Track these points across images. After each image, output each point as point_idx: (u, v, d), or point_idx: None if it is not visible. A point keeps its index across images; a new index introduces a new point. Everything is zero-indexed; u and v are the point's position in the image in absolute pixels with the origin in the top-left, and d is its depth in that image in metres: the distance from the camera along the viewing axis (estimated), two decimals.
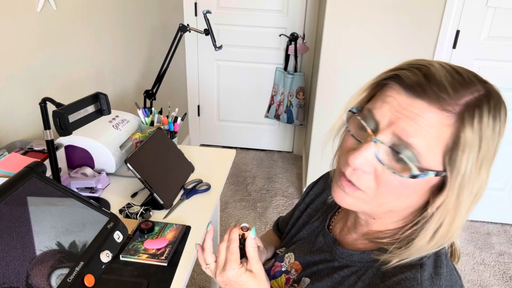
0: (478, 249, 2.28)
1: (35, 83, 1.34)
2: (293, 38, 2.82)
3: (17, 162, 1.05)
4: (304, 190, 0.92)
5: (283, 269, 0.78)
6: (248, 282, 0.65)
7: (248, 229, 0.68)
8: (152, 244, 1.01)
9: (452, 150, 0.50)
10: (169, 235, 1.05)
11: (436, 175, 0.52)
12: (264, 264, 0.81)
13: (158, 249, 1.00)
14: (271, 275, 0.79)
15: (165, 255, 0.98)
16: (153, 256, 0.98)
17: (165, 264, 0.97)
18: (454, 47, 2.10)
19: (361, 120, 0.55)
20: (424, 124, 0.50)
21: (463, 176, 0.50)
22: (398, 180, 0.52)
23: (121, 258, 0.98)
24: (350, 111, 0.58)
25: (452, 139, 0.50)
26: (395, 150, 0.52)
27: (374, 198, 0.56)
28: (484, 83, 0.52)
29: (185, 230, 1.09)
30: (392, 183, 0.53)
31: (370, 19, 2.10)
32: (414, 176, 0.51)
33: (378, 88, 0.58)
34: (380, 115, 0.54)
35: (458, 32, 2.07)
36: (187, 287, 1.97)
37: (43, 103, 0.98)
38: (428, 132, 0.50)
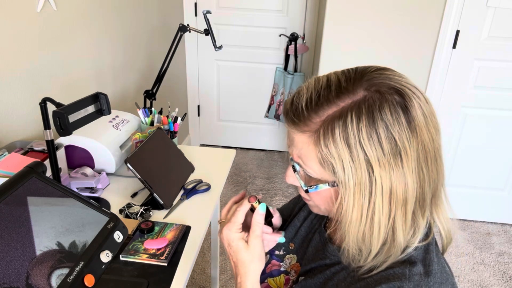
0: (478, 249, 2.28)
1: (35, 83, 1.34)
2: (293, 38, 2.82)
3: (17, 162, 1.05)
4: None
5: (282, 269, 0.78)
6: (240, 251, 0.66)
7: (259, 201, 0.69)
8: (152, 244, 1.01)
9: (325, 162, 0.54)
10: (169, 235, 1.05)
11: (331, 185, 0.57)
12: None
13: (158, 249, 1.00)
14: (267, 272, 0.79)
15: (165, 255, 0.98)
16: (153, 256, 0.98)
17: (165, 264, 0.97)
18: (454, 47, 2.10)
19: (287, 141, 0.63)
20: (298, 147, 0.58)
21: (346, 183, 0.53)
22: (313, 193, 0.60)
23: (121, 258, 0.98)
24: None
25: (318, 154, 0.54)
26: (294, 169, 0.61)
27: (316, 205, 0.64)
28: (368, 84, 0.53)
29: (185, 230, 1.09)
30: (312, 195, 0.62)
31: (370, 19, 2.10)
32: (305, 191, 0.60)
33: None
34: (287, 139, 0.62)
35: (458, 32, 2.07)
36: (187, 287, 1.97)
37: (43, 103, 0.98)
38: (302, 152, 0.57)
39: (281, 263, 0.79)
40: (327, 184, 0.57)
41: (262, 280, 0.78)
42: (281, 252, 0.81)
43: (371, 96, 0.52)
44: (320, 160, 0.55)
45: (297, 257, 0.78)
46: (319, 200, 0.62)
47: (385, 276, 0.58)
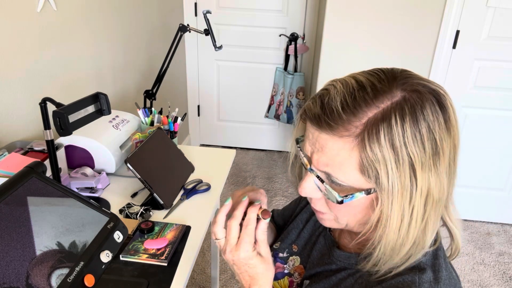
0: (478, 249, 2.28)
1: (35, 83, 1.34)
2: (293, 38, 2.82)
3: (17, 162, 1.05)
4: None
5: (286, 271, 0.78)
6: (257, 266, 0.63)
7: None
8: (152, 244, 1.01)
9: (367, 169, 0.51)
10: (169, 235, 1.05)
11: (367, 193, 0.53)
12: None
13: (158, 249, 1.00)
14: None
15: (165, 255, 0.98)
16: (153, 256, 0.98)
17: (165, 264, 0.97)
18: (454, 47, 2.10)
19: (299, 151, 0.59)
20: (331, 154, 0.53)
21: (389, 189, 0.50)
22: (338, 206, 0.55)
23: (121, 258, 0.98)
24: (296, 140, 0.62)
25: (360, 160, 0.51)
26: (320, 179, 0.56)
27: (336, 217, 0.60)
28: (403, 84, 0.51)
29: (185, 230, 1.09)
30: (336, 208, 0.57)
31: (370, 19, 2.10)
32: (340, 202, 0.54)
33: (302, 117, 0.60)
34: (305, 148, 0.57)
35: (458, 32, 2.07)
36: (187, 287, 1.97)
37: (43, 103, 0.98)
38: (336, 159, 0.52)
39: (285, 265, 0.79)
40: (363, 192, 0.53)
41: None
42: (285, 255, 0.80)
43: (410, 96, 0.50)
44: (361, 166, 0.51)
45: (300, 259, 0.78)
46: (344, 211, 0.57)
47: (394, 285, 0.56)
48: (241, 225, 0.63)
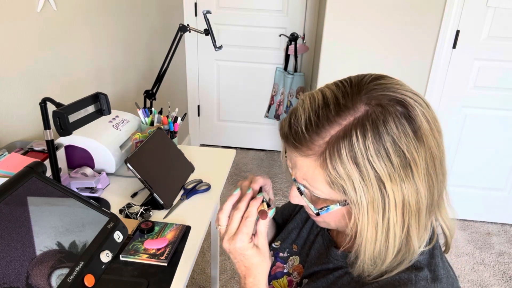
0: (478, 249, 2.28)
1: (35, 83, 1.34)
2: (293, 38, 2.81)
3: (17, 162, 1.05)
4: None
5: (285, 270, 0.78)
6: (253, 257, 0.65)
7: (266, 203, 0.66)
8: (152, 244, 1.01)
9: (335, 184, 0.52)
10: (169, 235, 1.05)
11: (342, 205, 0.55)
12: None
13: (158, 249, 1.00)
14: (272, 275, 0.79)
15: (165, 255, 0.98)
16: (153, 256, 0.98)
17: (165, 264, 0.97)
18: (454, 47, 2.10)
19: (287, 162, 0.62)
20: (302, 170, 0.56)
21: (358, 202, 0.52)
22: (323, 214, 0.59)
23: (121, 258, 0.98)
24: (285, 149, 0.63)
25: (327, 177, 0.52)
26: (300, 191, 0.60)
27: (325, 222, 0.63)
28: (368, 97, 0.51)
29: (185, 230, 1.09)
30: (322, 215, 0.60)
31: (370, 19, 2.10)
32: (317, 214, 0.59)
33: None
34: (288, 162, 0.61)
35: (458, 32, 2.07)
36: (187, 287, 1.97)
37: (43, 103, 0.98)
38: (308, 175, 0.55)
39: (285, 265, 0.79)
40: (337, 204, 0.56)
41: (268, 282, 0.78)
42: (285, 254, 0.81)
43: (373, 111, 0.49)
44: (329, 182, 0.53)
45: (299, 258, 0.78)
46: (329, 218, 0.61)
47: (391, 282, 0.57)
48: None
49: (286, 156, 0.62)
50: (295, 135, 0.53)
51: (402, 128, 0.49)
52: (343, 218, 0.58)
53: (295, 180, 0.59)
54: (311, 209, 0.59)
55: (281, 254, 0.81)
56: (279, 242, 0.83)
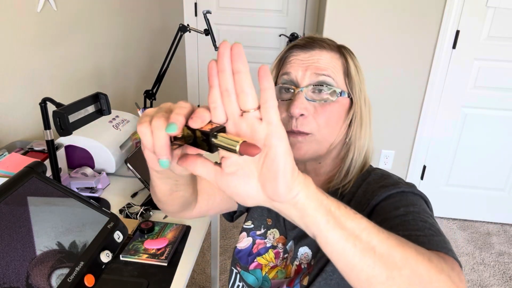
0: (478, 249, 2.28)
1: (35, 83, 1.34)
2: (293, 38, 2.81)
3: (17, 162, 1.05)
4: None
5: (269, 245, 0.81)
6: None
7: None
8: (152, 244, 1.01)
9: (347, 74, 0.73)
10: (169, 235, 1.05)
11: (348, 96, 0.72)
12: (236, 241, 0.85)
13: (158, 249, 1.00)
14: (255, 253, 0.82)
15: (165, 255, 0.98)
16: (153, 256, 0.98)
17: (165, 264, 0.97)
18: (454, 47, 2.10)
19: (283, 85, 0.73)
20: (325, 62, 0.72)
21: (358, 92, 0.73)
22: (329, 109, 0.70)
23: (121, 258, 0.98)
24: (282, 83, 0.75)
25: (344, 66, 0.73)
26: (317, 86, 0.70)
27: (319, 134, 0.71)
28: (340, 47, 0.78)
29: (185, 230, 1.09)
30: (325, 114, 0.70)
31: (370, 19, 2.10)
32: (339, 93, 0.71)
33: (281, 63, 0.77)
34: (295, 72, 0.72)
35: (458, 32, 2.07)
36: (187, 287, 1.97)
37: (43, 103, 0.98)
38: (330, 65, 0.72)
39: (265, 240, 0.82)
40: (346, 93, 0.72)
41: (251, 260, 0.81)
42: (262, 231, 0.83)
43: (344, 47, 0.77)
44: (344, 70, 0.73)
45: (278, 230, 0.81)
46: (327, 119, 0.70)
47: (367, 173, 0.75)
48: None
49: (281, 84, 0.74)
50: (319, 40, 0.74)
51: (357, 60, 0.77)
52: (339, 117, 0.72)
53: (302, 89, 0.70)
54: (331, 95, 0.70)
55: (258, 232, 0.83)
56: (250, 222, 0.85)
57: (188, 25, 1.79)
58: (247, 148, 0.37)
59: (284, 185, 0.39)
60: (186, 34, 2.91)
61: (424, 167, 2.42)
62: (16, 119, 1.28)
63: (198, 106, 0.44)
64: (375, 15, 2.08)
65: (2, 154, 1.10)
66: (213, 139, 0.39)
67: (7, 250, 0.52)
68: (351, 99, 0.73)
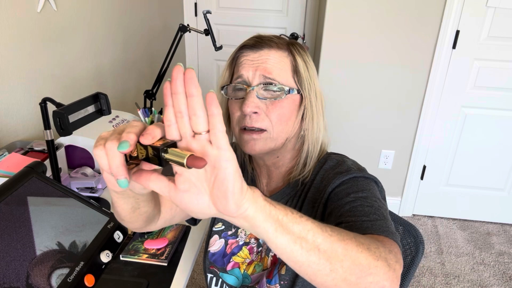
0: (478, 249, 2.28)
1: (35, 83, 1.34)
2: (293, 38, 2.81)
3: (17, 162, 1.05)
4: None
5: (241, 242, 0.84)
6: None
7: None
8: (152, 244, 1.01)
9: (296, 71, 0.76)
10: (169, 235, 1.05)
11: (297, 92, 0.76)
12: (210, 245, 0.88)
13: (158, 249, 1.00)
14: (230, 253, 0.84)
15: (165, 255, 0.98)
16: (153, 256, 0.98)
17: (165, 264, 0.97)
18: (454, 47, 2.10)
19: (236, 85, 0.76)
20: (273, 62, 0.75)
21: (308, 87, 0.76)
22: (279, 106, 0.74)
23: (121, 258, 0.98)
24: (224, 86, 0.78)
25: (292, 64, 0.76)
26: (267, 85, 0.74)
27: (273, 131, 0.75)
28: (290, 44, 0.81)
29: (185, 230, 1.09)
30: (276, 111, 0.74)
31: (370, 19, 2.10)
32: (288, 91, 0.74)
33: (233, 63, 0.80)
34: (246, 73, 0.75)
35: (458, 32, 2.07)
36: (187, 287, 1.97)
37: (43, 103, 0.98)
38: (278, 65, 0.75)
39: (237, 239, 0.84)
40: (295, 90, 0.76)
41: (227, 261, 0.84)
42: (233, 230, 0.86)
43: (292, 43, 0.80)
44: (293, 68, 0.76)
45: None
46: (279, 116, 0.74)
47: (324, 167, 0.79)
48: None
49: (231, 84, 0.77)
50: (269, 38, 0.77)
51: (307, 55, 0.80)
52: (291, 112, 0.76)
53: (253, 88, 0.74)
54: (281, 92, 0.74)
55: (229, 232, 0.87)
56: (220, 223, 0.88)
57: (188, 25, 1.79)
58: (194, 161, 0.39)
59: (234, 203, 0.42)
60: (186, 34, 2.91)
61: (424, 167, 2.42)
62: (16, 119, 1.28)
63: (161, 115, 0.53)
64: (375, 15, 2.08)
65: (2, 154, 1.10)
66: (163, 154, 0.41)
67: (7, 250, 0.52)
68: (301, 95, 0.77)
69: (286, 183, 0.82)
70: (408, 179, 2.46)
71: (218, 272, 0.85)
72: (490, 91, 2.17)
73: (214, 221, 0.90)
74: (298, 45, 0.79)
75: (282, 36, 0.82)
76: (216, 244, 0.87)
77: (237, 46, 0.80)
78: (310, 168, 0.79)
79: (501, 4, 1.98)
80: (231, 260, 0.84)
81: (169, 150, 0.41)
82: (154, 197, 0.63)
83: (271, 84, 0.74)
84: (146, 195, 0.57)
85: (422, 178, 2.45)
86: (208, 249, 0.88)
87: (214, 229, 0.89)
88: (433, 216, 2.55)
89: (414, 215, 2.57)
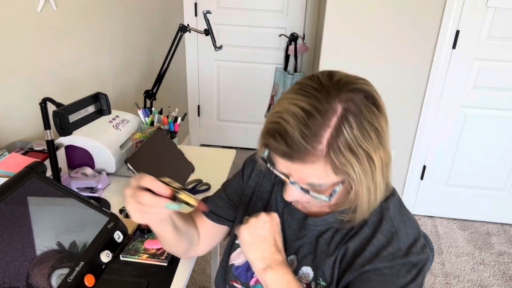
0: (478, 249, 2.28)
1: (35, 83, 1.34)
2: (293, 38, 2.81)
3: (17, 162, 1.05)
4: (241, 173, 0.92)
5: None
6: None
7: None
8: (152, 244, 1.01)
9: (339, 171, 0.62)
10: None
11: (342, 183, 0.65)
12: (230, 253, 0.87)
13: (158, 249, 1.00)
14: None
15: (165, 255, 0.98)
16: (153, 256, 0.98)
17: (165, 264, 0.97)
18: (454, 47, 2.10)
19: (273, 170, 0.68)
20: (308, 174, 0.63)
21: (356, 178, 0.63)
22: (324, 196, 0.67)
23: (121, 258, 0.98)
24: (262, 158, 0.69)
25: (333, 168, 0.62)
26: (305, 190, 0.66)
27: (323, 208, 0.74)
28: (339, 96, 0.61)
29: None
30: (322, 201, 0.68)
31: (370, 19, 2.10)
32: (329, 201, 0.67)
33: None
34: (280, 169, 0.67)
35: (458, 32, 2.07)
36: (187, 287, 1.97)
37: (43, 103, 0.98)
38: (314, 175, 0.63)
39: None
40: (340, 184, 0.66)
41: (251, 276, 0.83)
42: None
43: (348, 106, 0.60)
44: (334, 170, 0.62)
45: None
46: (323, 202, 0.69)
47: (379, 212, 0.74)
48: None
49: (269, 166, 0.68)
50: (298, 150, 0.60)
51: (370, 110, 0.62)
52: (344, 194, 0.70)
53: (292, 182, 0.66)
54: (320, 199, 0.66)
55: None
56: None
57: (188, 25, 1.79)
58: (200, 206, 0.66)
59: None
60: (186, 34, 2.91)
61: (424, 167, 2.42)
62: (16, 119, 1.28)
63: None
64: (375, 15, 2.08)
65: (2, 154, 1.10)
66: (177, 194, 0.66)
67: (7, 250, 0.52)
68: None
69: (332, 209, 0.77)
70: (408, 179, 2.46)
71: (241, 286, 0.84)
72: (490, 91, 2.17)
73: (235, 236, 0.88)
74: (338, 142, 0.60)
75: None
76: (240, 258, 0.85)
77: (262, 133, 0.66)
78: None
79: (501, 4, 1.98)
80: (254, 275, 0.82)
81: (182, 193, 0.66)
82: (189, 220, 0.86)
83: (308, 191, 0.66)
84: (179, 218, 0.79)
85: (422, 178, 2.45)
86: (232, 262, 0.86)
87: (237, 242, 0.86)
88: (433, 216, 2.55)
89: (414, 215, 2.57)
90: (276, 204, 0.83)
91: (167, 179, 0.68)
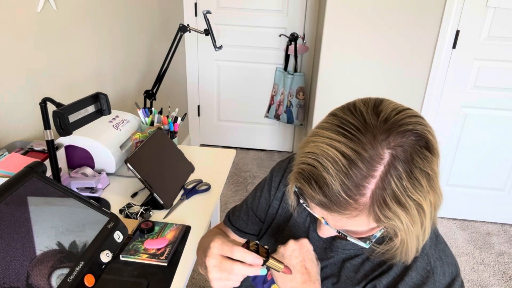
0: (478, 249, 2.28)
1: (35, 83, 1.34)
2: (293, 38, 2.81)
3: (17, 162, 1.05)
4: (269, 184, 0.86)
5: None
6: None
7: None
8: (152, 244, 1.01)
9: (383, 223, 0.56)
10: (169, 235, 1.05)
11: (385, 228, 0.59)
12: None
13: (158, 249, 1.00)
14: (270, 280, 0.80)
15: (165, 255, 0.98)
16: (153, 256, 0.98)
17: (165, 264, 0.97)
18: (454, 47, 2.10)
19: (307, 208, 0.62)
20: (345, 223, 0.57)
21: (404, 228, 0.56)
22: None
23: (121, 258, 0.98)
24: (294, 192, 0.63)
25: (377, 220, 0.55)
26: (341, 233, 0.61)
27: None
28: (386, 141, 0.52)
29: (185, 230, 1.09)
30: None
31: (370, 19, 2.10)
32: (368, 246, 0.62)
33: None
34: (316, 214, 0.61)
35: (458, 32, 2.07)
36: (187, 287, 1.97)
37: (43, 103, 0.98)
38: (352, 225, 0.58)
39: None
40: (382, 229, 0.60)
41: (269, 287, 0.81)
42: None
43: (397, 153, 0.52)
44: (377, 222, 0.56)
45: None
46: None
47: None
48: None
49: (304, 203, 0.62)
50: (338, 203, 0.53)
51: (422, 155, 0.53)
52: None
53: (328, 224, 0.60)
54: (361, 245, 0.62)
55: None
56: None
57: (188, 25, 1.79)
58: (286, 270, 0.64)
59: None
60: (186, 34, 2.91)
61: None
62: (16, 119, 1.28)
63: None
64: (375, 15, 2.08)
65: (2, 154, 1.10)
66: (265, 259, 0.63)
67: (7, 250, 0.52)
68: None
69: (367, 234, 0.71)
70: None
71: None
72: (490, 91, 2.17)
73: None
74: (398, 171, 0.52)
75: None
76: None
77: (294, 179, 0.59)
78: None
79: (501, 4, 1.98)
80: (271, 287, 0.80)
81: (270, 259, 0.63)
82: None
83: (346, 236, 0.62)
84: None
85: None
86: None
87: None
88: None
89: None
90: (301, 217, 0.79)
91: (252, 243, 0.63)
